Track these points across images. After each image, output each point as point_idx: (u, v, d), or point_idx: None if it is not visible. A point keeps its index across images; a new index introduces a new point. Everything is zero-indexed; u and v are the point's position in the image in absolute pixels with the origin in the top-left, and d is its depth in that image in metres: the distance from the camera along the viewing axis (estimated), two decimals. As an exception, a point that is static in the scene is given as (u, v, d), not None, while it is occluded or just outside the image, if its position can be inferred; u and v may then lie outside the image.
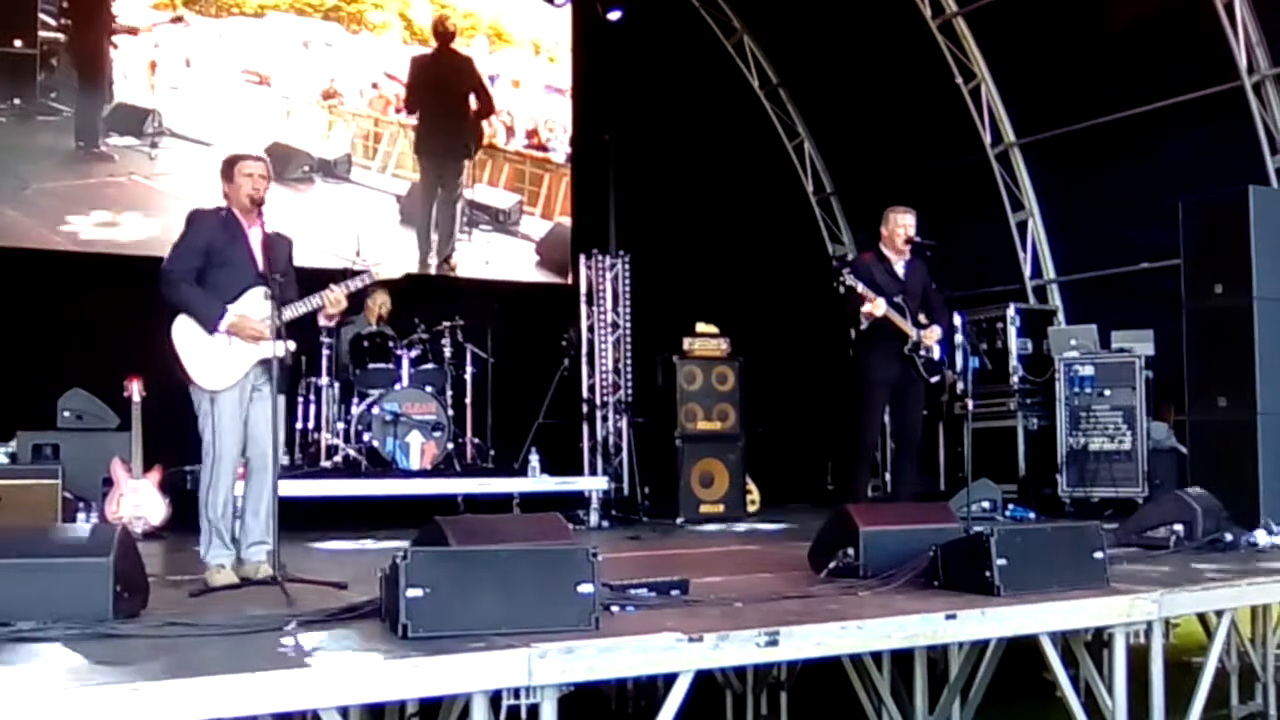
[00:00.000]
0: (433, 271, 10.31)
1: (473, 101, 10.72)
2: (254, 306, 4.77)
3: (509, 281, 10.59)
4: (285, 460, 8.01)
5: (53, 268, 8.69)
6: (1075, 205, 10.33)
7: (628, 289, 9.96)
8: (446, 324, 8.80)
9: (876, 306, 6.81)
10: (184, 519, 6.62)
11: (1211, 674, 4.52)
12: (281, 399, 4.87)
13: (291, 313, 4.83)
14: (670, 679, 3.26)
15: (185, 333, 4.73)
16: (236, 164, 4.87)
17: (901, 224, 7.16)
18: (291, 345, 4.82)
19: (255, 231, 4.85)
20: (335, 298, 4.87)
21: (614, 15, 10.34)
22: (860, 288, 6.82)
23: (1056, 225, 10.53)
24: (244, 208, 4.83)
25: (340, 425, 8.45)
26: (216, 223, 4.83)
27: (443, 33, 10.63)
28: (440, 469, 8.33)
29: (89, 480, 7.19)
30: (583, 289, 9.98)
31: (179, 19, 9.45)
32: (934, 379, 7.21)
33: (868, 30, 10.94)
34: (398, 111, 10.39)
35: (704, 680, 3.61)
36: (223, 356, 4.71)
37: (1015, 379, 9.55)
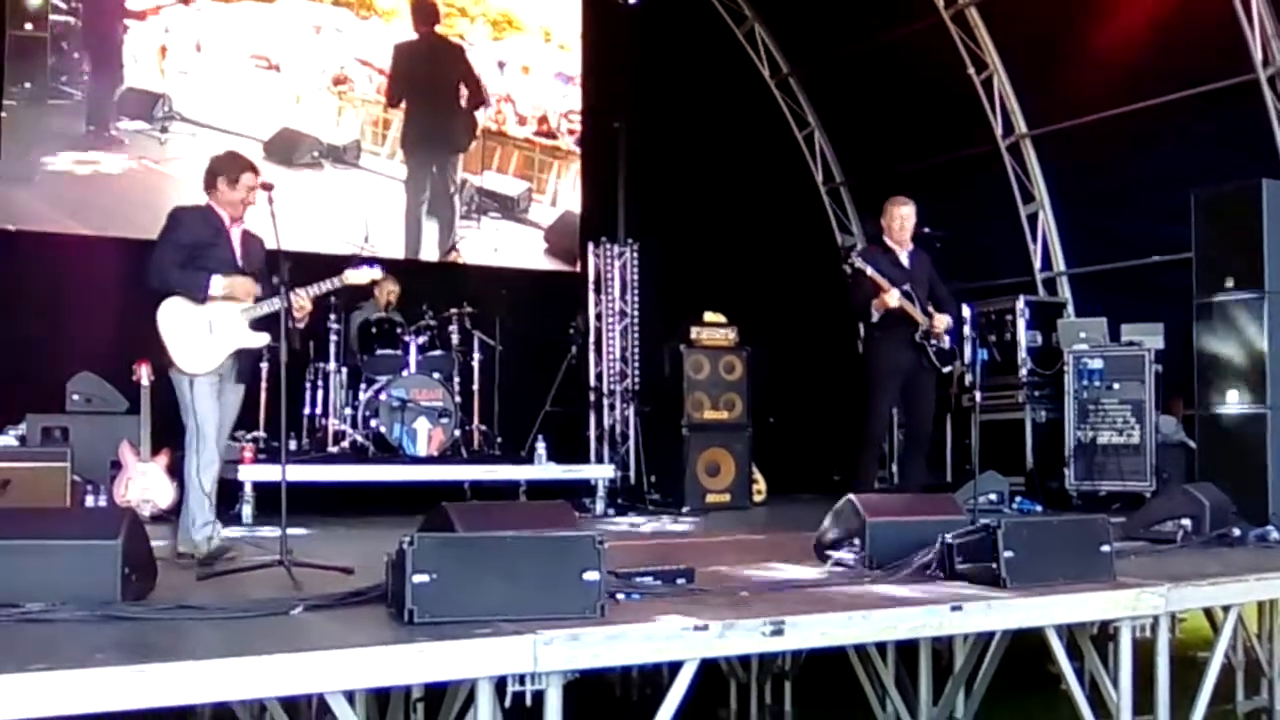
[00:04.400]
0: (435, 259, 10.29)
1: (463, 93, 10.58)
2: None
3: (517, 269, 10.57)
4: (293, 445, 8.04)
5: (62, 251, 8.69)
6: (1086, 198, 10.28)
7: (636, 277, 9.97)
8: (454, 310, 8.79)
9: (890, 297, 6.79)
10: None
11: (1217, 669, 4.52)
12: (242, 388, 5.19)
13: (256, 311, 5.01)
14: (675, 667, 3.27)
15: (170, 317, 4.92)
16: (244, 173, 5.03)
17: (899, 215, 7.14)
18: (266, 338, 5.03)
19: (236, 230, 5.08)
20: (300, 303, 5.00)
21: None
22: (870, 270, 6.80)
23: (1067, 217, 10.49)
24: (233, 212, 5.03)
25: (347, 411, 8.45)
26: (199, 218, 5.02)
27: (424, 15, 10.40)
28: (447, 456, 8.32)
29: (97, 463, 7.23)
30: (591, 277, 9.99)
31: (187, 1, 9.43)
32: (946, 368, 7.20)
33: (879, 20, 10.88)
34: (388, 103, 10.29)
35: (709, 669, 3.62)
36: (204, 342, 4.93)
37: (1024, 371, 9.51)
